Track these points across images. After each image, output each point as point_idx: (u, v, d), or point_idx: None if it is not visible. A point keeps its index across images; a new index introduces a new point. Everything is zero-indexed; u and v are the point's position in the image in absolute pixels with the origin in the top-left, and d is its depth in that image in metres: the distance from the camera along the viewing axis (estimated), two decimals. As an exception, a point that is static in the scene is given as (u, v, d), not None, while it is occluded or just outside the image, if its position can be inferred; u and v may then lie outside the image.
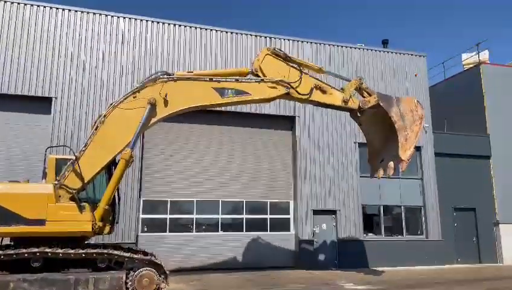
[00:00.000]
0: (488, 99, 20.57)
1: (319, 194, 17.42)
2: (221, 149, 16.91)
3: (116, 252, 9.21)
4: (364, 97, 12.97)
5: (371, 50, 19.64)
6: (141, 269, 9.23)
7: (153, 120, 10.36)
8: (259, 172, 17.20)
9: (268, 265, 16.27)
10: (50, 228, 8.85)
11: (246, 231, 16.60)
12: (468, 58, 23.64)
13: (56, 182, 9.41)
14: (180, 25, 17.05)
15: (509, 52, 59.02)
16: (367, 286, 12.39)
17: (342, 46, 19.15)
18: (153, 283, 9.20)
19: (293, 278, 13.99)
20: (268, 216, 17.01)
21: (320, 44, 18.82)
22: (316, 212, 17.25)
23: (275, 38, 18.15)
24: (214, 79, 11.12)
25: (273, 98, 12.26)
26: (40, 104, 14.98)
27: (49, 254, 8.67)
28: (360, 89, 13.02)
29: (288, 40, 18.36)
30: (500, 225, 19.53)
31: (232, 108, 16.53)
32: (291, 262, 16.73)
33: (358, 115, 13.08)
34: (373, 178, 13.76)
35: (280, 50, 12.44)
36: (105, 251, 9.12)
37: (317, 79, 12.66)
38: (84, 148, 9.78)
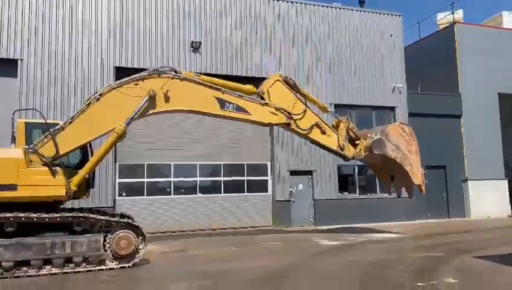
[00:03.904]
0: (460, 59, 20.84)
1: (296, 155, 17.62)
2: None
3: (92, 215, 9.15)
4: (350, 136, 13.18)
5: (347, 9, 19.42)
6: (119, 231, 9.23)
7: (151, 111, 10.11)
8: (236, 134, 17.18)
9: (247, 225, 16.63)
10: (22, 192, 8.66)
11: (224, 193, 16.77)
12: (443, 18, 23.71)
13: (28, 147, 9.16)
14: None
15: (484, 12, 59.45)
16: (342, 242, 12.85)
17: (318, 6, 18.83)
18: (131, 245, 9.23)
19: (270, 236, 14.35)
20: (245, 178, 17.17)
21: (295, 3, 18.43)
22: (293, 173, 17.52)
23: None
24: (219, 89, 10.93)
25: (271, 124, 12.25)
26: (6, 66, 14.33)
27: (23, 219, 8.54)
28: (347, 128, 13.05)
29: (264, -2, 17.93)
30: (468, 181, 20.34)
31: (210, 70, 16.37)
32: (269, 222, 17.11)
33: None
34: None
35: (291, 80, 12.39)
36: (81, 215, 9.05)
37: (319, 117, 12.64)
38: (70, 120, 9.47)
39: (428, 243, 12.35)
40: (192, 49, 16.56)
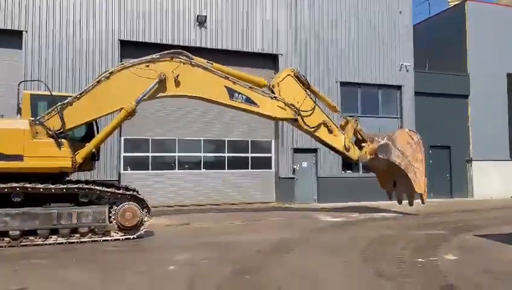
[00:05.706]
0: (470, 38, 20.48)
1: (300, 132, 17.53)
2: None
3: (97, 187, 9.26)
4: (357, 137, 13.12)
5: (356, -15, 19.02)
6: (124, 203, 9.35)
7: (160, 94, 10.09)
8: (241, 111, 17.10)
9: (250, 201, 16.78)
10: (28, 163, 8.75)
11: (227, 169, 16.87)
12: (454, -5, 23.19)
13: (34, 119, 9.21)
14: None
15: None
16: (344, 219, 12.97)
17: (326, -19, 18.45)
18: (136, 217, 9.36)
19: (273, 213, 14.49)
20: (249, 155, 17.24)
21: (304, -23, 18.06)
22: (297, 150, 17.55)
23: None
24: (229, 78, 10.85)
25: (278, 119, 12.27)
26: (10, 38, 14.29)
27: (30, 189, 8.65)
28: (354, 130, 12.94)
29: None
30: (473, 162, 20.30)
31: (216, 45, 16.24)
32: (272, 198, 17.26)
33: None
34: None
35: (303, 76, 12.29)
36: (86, 186, 9.16)
37: (327, 116, 12.52)
38: (78, 96, 9.48)
39: (429, 221, 12.43)
40: (197, 23, 16.36)
